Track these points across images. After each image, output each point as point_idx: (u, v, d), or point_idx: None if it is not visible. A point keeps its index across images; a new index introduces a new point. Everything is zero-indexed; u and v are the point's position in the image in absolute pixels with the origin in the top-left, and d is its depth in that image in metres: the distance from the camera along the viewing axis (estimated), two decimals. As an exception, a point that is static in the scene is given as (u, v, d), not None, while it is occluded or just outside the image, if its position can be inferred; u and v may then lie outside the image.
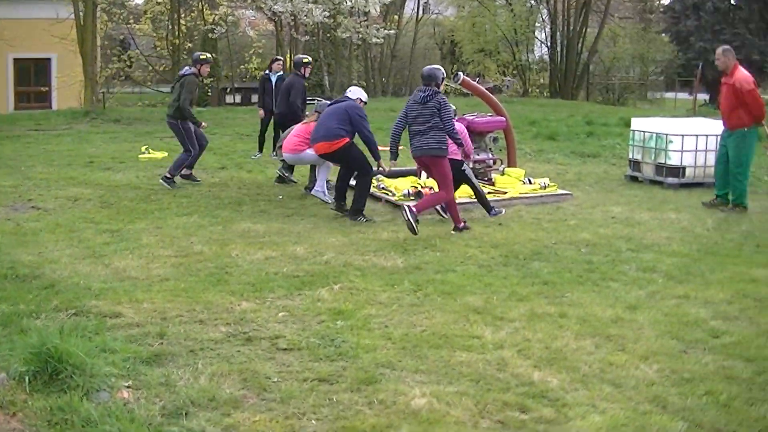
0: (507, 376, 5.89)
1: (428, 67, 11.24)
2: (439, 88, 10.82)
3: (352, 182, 12.05)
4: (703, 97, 40.13)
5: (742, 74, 12.55)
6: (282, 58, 19.99)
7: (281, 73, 18.04)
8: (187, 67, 14.67)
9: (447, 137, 10.72)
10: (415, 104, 10.78)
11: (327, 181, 12.68)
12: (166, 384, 5.57)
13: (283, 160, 13.55)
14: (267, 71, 18.26)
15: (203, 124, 14.51)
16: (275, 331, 6.76)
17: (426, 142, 10.68)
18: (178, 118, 14.05)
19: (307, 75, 15.20)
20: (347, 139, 11.65)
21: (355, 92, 12.26)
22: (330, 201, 12.20)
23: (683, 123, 15.77)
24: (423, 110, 10.67)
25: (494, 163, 14.07)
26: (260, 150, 18.05)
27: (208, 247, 9.65)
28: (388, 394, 5.51)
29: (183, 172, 14.29)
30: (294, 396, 5.45)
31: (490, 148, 13.98)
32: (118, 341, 6.28)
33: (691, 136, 14.56)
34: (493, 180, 13.71)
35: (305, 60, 15.02)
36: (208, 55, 15.05)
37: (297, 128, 12.99)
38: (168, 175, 13.89)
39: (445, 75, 11.16)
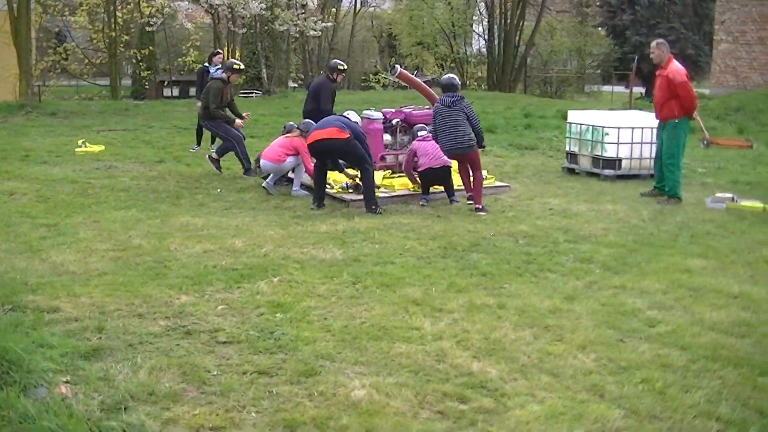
0: (446, 366, 5.94)
1: (446, 77, 12.85)
2: (460, 93, 12.43)
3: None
4: (639, 90, 40.51)
5: (676, 66, 12.77)
6: (222, 51, 19.90)
7: (220, 66, 17.94)
8: (220, 71, 15.28)
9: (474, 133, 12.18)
10: (445, 108, 12.21)
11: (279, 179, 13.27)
12: (105, 378, 5.53)
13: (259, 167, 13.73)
14: (206, 64, 18.14)
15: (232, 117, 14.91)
16: (214, 324, 6.74)
17: (462, 138, 12.06)
18: (206, 119, 14.69)
19: (338, 80, 15.17)
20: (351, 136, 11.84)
21: (353, 117, 12.50)
22: (274, 192, 12.80)
23: (619, 116, 15.94)
24: (452, 112, 12.13)
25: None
26: (198, 143, 17.90)
27: (147, 240, 9.58)
28: (328, 386, 5.52)
29: (212, 155, 14.87)
30: (234, 389, 5.44)
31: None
32: (56, 336, 6.23)
33: (626, 129, 14.74)
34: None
35: (340, 66, 14.91)
36: (242, 66, 15.67)
37: (280, 140, 13.22)
38: (244, 168, 14.46)
39: (459, 82, 12.75)
